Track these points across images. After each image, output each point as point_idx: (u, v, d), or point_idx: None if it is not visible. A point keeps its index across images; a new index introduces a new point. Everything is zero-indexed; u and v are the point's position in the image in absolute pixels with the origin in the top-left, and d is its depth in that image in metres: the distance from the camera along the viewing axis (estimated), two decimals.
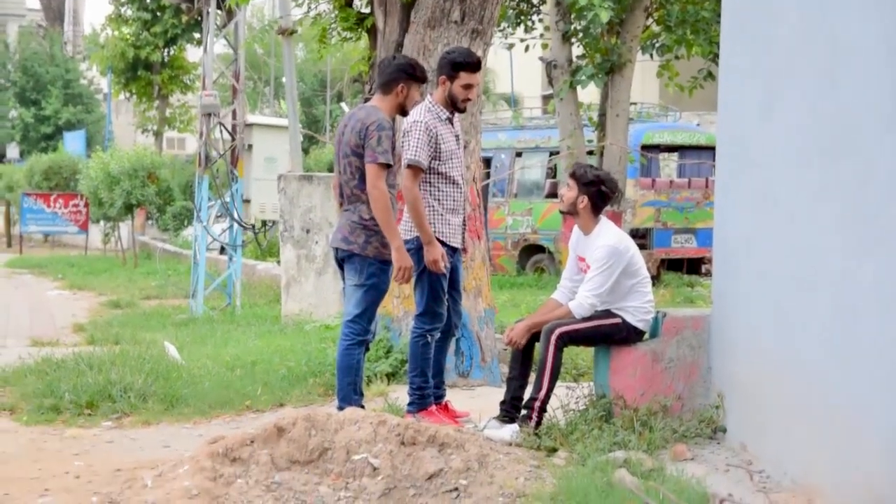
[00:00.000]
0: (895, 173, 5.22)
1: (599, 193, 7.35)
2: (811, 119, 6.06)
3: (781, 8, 6.49)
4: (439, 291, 7.57)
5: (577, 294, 7.28)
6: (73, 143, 41.92)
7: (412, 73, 7.38)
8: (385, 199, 7.04)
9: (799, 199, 6.20)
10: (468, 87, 7.59)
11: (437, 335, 7.68)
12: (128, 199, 25.47)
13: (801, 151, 6.18)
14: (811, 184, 6.05)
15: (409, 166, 7.33)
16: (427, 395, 7.70)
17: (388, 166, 7.10)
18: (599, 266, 7.19)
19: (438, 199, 7.59)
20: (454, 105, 7.62)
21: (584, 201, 7.35)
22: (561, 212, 7.60)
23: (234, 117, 17.51)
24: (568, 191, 7.42)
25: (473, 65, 7.62)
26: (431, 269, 7.42)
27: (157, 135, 42.84)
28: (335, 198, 7.66)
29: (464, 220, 7.82)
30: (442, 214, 7.59)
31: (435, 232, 7.47)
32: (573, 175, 7.45)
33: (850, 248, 5.60)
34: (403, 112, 7.45)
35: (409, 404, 7.71)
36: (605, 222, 7.44)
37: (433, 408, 7.70)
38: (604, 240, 7.28)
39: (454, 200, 7.66)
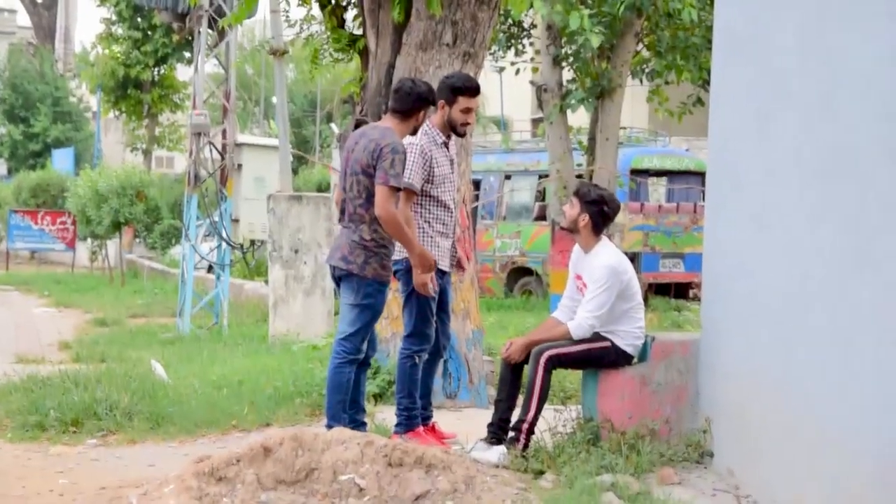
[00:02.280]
0: (892, 197, 5.23)
1: (601, 212, 7.36)
2: (806, 142, 6.08)
3: (777, 30, 6.51)
4: (428, 313, 7.57)
5: (577, 314, 7.28)
6: (61, 160, 41.86)
7: (432, 100, 7.42)
8: (395, 218, 7.04)
9: (793, 223, 6.21)
10: (467, 111, 7.60)
11: (426, 356, 7.67)
12: (116, 216, 25.45)
13: (796, 174, 6.20)
14: (806, 207, 6.07)
15: (403, 189, 7.34)
16: (414, 416, 7.68)
17: (397, 190, 7.10)
18: (598, 286, 7.19)
19: (429, 222, 7.60)
20: (453, 129, 7.64)
21: (585, 219, 7.36)
22: (562, 228, 7.61)
23: (223, 137, 17.50)
24: (570, 208, 7.43)
25: (473, 90, 7.64)
26: (420, 292, 7.42)
27: (146, 153, 42.84)
28: (338, 213, 7.63)
29: (453, 244, 7.82)
30: (432, 237, 7.60)
31: None
32: (577, 193, 7.47)
33: (845, 272, 5.61)
34: (413, 134, 7.47)
35: (397, 425, 7.69)
36: (605, 242, 7.45)
37: (420, 429, 7.68)
38: (603, 260, 7.28)
39: (444, 224, 7.67)
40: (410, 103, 7.31)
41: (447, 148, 7.67)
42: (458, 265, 8.03)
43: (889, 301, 5.21)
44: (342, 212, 7.41)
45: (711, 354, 7.22)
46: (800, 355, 6.06)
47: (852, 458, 5.44)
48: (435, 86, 7.66)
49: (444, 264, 7.72)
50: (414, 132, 7.43)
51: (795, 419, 6.05)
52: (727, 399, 6.96)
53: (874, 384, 5.27)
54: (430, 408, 7.95)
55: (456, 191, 7.94)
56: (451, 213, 7.73)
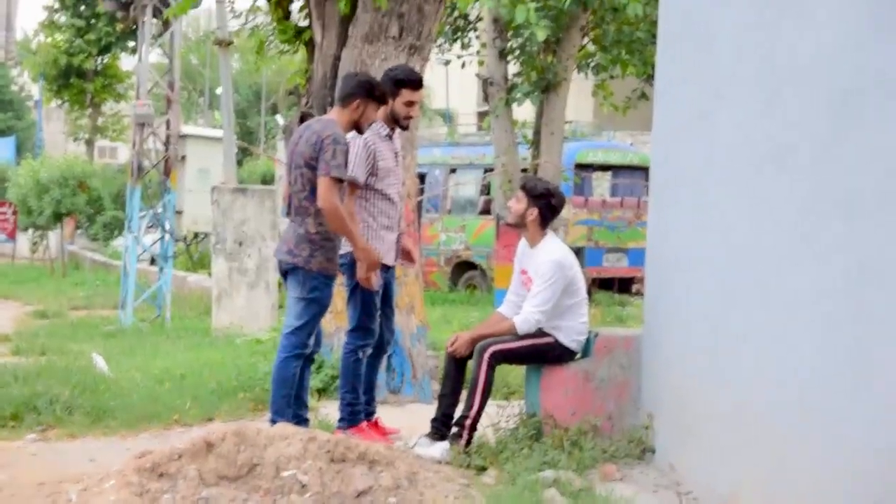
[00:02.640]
0: (831, 191, 5.28)
1: (548, 206, 7.38)
2: (745, 137, 6.12)
3: (717, 26, 6.56)
4: (372, 308, 7.55)
5: (523, 309, 7.29)
6: (2, 149, 41.30)
7: (370, 92, 7.34)
8: (338, 211, 7.00)
9: (732, 217, 6.25)
10: (410, 104, 7.60)
11: (369, 351, 7.66)
12: (57, 207, 25.21)
13: (735, 169, 6.24)
14: (744, 202, 6.11)
15: (346, 182, 7.30)
16: (358, 411, 7.67)
17: (340, 181, 7.06)
18: (544, 281, 7.20)
19: (373, 216, 7.58)
20: (397, 122, 7.63)
21: (532, 213, 7.37)
22: (507, 224, 7.61)
23: (167, 127, 17.38)
24: (517, 203, 7.44)
25: (416, 82, 7.63)
26: (364, 286, 7.40)
27: (89, 143, 42.48)
28: (284, 206, 7.60)
29: (398, 238, 7.81)
30: (376, 230, 7.58)
31: None
32: (523, 187, 7.48)
33: (784, 266, 5.65)
34: (359, 129, 7.39)
35: (340, 420, 7.68)
36: (550, 237, 7.46)
37: (364, 424, 7.67)
38: (548, 254, 7.30)
39: (389, 217, 7.65)
40: (348, 89, 7.30)
41: (391, 141, 7.66)
42: (408, 257, 8.01)
43: (826, 294, 5.26)
44: (289, 206, 7.38)
45: (653, 350, 7.26)
46: (738, 349, 6.11)
47: (790, 451, 5.49)
48: (379, 79, 7.65)
49: (389, 258, 7.70)
50: (357, 127, 7.38)
51: (734, 414, 6.10)
52: (668, 394, 7.01)
53: (812, 377, 5.32)
54: (374, 403, 7.94)
55: (401, 184, 7.92)
56: (396, 206, 7.71)
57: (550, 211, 7.41)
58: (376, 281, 7.43)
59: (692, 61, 6.90)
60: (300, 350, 7.28)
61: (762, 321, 5.87)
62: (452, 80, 33.10)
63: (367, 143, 7.45)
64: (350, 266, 7.46)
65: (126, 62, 41.55)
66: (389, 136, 7.63)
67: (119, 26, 35.56)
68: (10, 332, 15.95)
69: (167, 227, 17.00)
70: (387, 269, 7.69)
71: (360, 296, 7.50)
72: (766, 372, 5.79)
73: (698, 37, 6.83)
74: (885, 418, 4.77)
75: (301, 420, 7.27)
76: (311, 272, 7.19)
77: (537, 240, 7.43)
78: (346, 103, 7.29)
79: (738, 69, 6.27)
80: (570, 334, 7.32)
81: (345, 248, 7.43)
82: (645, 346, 7.37)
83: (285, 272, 7.37)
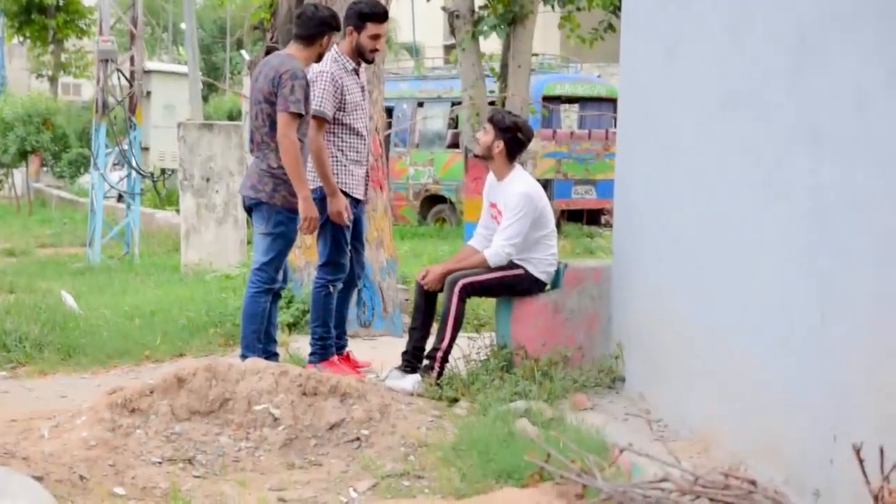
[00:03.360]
0: (794, 127, 5.29)
1: (515, 139, 7.37)
2: (713, 71, 6.12)
3: None
4: (342, 242, 7.54)
5: (493, 243, 7.30)
6: None
7: (336, 25, 7.33)
8: (295, 148, 6.98)
9: (701, 152, 6.27)
10: (376, 37, 7.53)
11: (340, 286, 7.66)
12: (22, 145, 24.96)
13: (703, 104, 6.24)
14: (713, 135, 6.12)
15: (313, 117, 7.27)
16: (329, 345, 7.68)
17: (299, 116, 7.02)
18: (513, 214, 7.20)
19: (342, 150, 7.55)
20: (362, 56, 7.57)
21: (499, 146, 7.36)
22: (475, 156, 7.60)
23: (132, 63, 17.21)
24: (484, 135, 7.42)
25: (380, 15, 7.56)
26: (335, 221, 7.39)
27: (53, 80, 41.98)
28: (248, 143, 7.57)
29: (367, 172, 7.79)
30: (346, 165, 7.56)
31: (339, 183, 7.43)
32: (491, 119, 7.45)
33: (752, 200, 5.68)
34: (318, 61, 7.38)
35: (311, 354, 7.69)
36: (518, 170, 7.46)
37: (335, 358, 7.68)
38: (517, 187, 7.29)
39: (358, 152, 7.62)
40: (312, 28, 7.24)
41: (357, 75, 7.61)
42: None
43: (794, 230, 5.28)
44: (251, 141, 7.35)
45: (623, 281, 7.30)
46: (705, 280, 6.14)
47: (760, 380, 5.54)
48: (342, 13, 7.59)
49: (360, 192, 7.69)
50: (318, 59, 7.35)
51: (703, 345, 6.15)
52: (637, 325, 7.05)
53: (780, 309, 5.36)
54: (345, 337, 7.95)
55: (368, 118, 7.89)
56: (364, 140, 7.68)
57: (517, 144, 7.40)
58: (346, 215, 7.42)
59: None
60: (269, 285, 7.28)
61: (730, 254, 5.90)
62: (418, 13, 32.84)
63: (333, 77, 7.40)
64: (320, 201, 7.43)
65: None
66: (356, 71, 7.59)
67: None
68: None
69: (133, 163, 16.89)
70: (357, 204, 7.68)
71: (330, 230, 7.48)
72: (734, 303, 5.83)
73: None
74: (849, 349, 4.82)
75: (271, 355, 7.28)
76: (276, 207, 7.17)
77: (505, 173, 7.42)
78: (311, 41, 7.24)
79: (705, 3, 6.25)
80: (539, 266, 7.34)
81: (314, 183, 7.41)
82: (614, 278, 7.41)
83: (249, 208, 7.35)
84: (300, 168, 7.06)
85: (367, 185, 7.81)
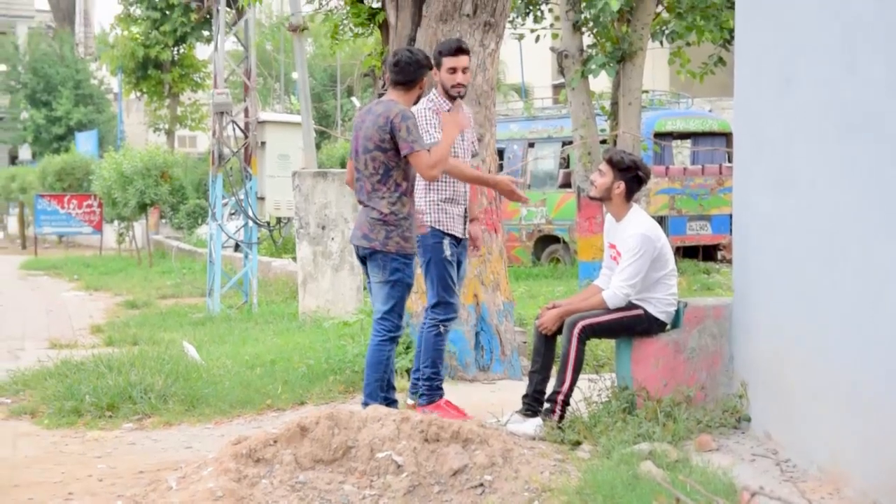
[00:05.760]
0: None
1: (636, 178, 7.32)
2: (828, 99, 6.03)
3: None
4: (448, 281, 7.58)
5: (612, 284, 7.25)
6: (85, 143, 41.91)
7: (429, 64, 7.50)
8: (450, 164, 7.28)
9: (819, 179, 6.17)
10: (453, 70, 7.67)
11: (451, 326, 7.67)
12: (141, 198, 25.45)
13: (819, 133, 6.14)
14: (831, 163, 6.02)
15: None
16: (437, 386, 7.68)
17: (428, 151, 7.13)
18: (631, 255, 7.14)
19: (435, 189, 7.63)
20: (447, 92, 7.68)
21: (620, 187, 7.31)
22: (590, 198, 7.54)
23: (246, 115, 17.47)
24: (601, 177, 7.36)
25: (451, 49, 7.71)
26: (510, 199, 7.84)
27: (169, 133, 42.93)
28: (354, 193, 7.63)
29: (465, 210, 7.81)
30: (438, 203, 7.64)
31: (435, 222, 7.54)
32: (609, 161, 7.38)
33: (872, 228, 5.57)
34: (416, 102, 7.54)
35: (420, 396, 7.68)
36: (636, 209, 7.40)
37: (442, 401, 7.67)
38: (635, 228, 7.24)
39: (454, 191, 7.69)
40: (411, 73, 7.36)
41: None
42: (473, 244, 8.01)
43: None
44: (360, 191, 7.39)
45: (744, 318, 7.19)
46: (829, 315, 6.03)
47: (886, 418, 5.41)
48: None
49: (457, 230, 7.73)
50: (417, 101, 7.49)
51: (828, 379, 6.02)
52: (761, 362, 6.93)
53: None
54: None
55: (473, 157, 7.96)
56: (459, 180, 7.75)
57: (637, 183, 7.35)
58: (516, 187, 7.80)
59: (770, 23, 6.81)
60: (393, 333, 7.33)
61: (852, 287, 5.78)
62: (526, 53, 32.92)
63: (431, 111, 7.63)
64: (421, 246, 7.50)
65: (201, 51, 41.97)
66: (449, 110, 7.68)
67: (193, 16, 35.81)
68: (102, 323, 16.19)
69: (250, 213, 17.12)
70: (457, 243, 7.72)
71: (435, 271, 7.54)
72: (860, 339, 5.71)
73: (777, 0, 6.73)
74: None
75: (390, 402, 7.30)
76: (390, 254, 7.22)
77: (622, 213, 7.37)
78: (409, 87, 7.36)
79: (818, 30, 6.17)
80: (659, 306, 7.27)
81: (423, 225, 7.51)
82: (735, 315, 7.30)
83: (363, 257, 7.40)
84: (468, 169, 7.41)
85: (465, 223, 7.83)
